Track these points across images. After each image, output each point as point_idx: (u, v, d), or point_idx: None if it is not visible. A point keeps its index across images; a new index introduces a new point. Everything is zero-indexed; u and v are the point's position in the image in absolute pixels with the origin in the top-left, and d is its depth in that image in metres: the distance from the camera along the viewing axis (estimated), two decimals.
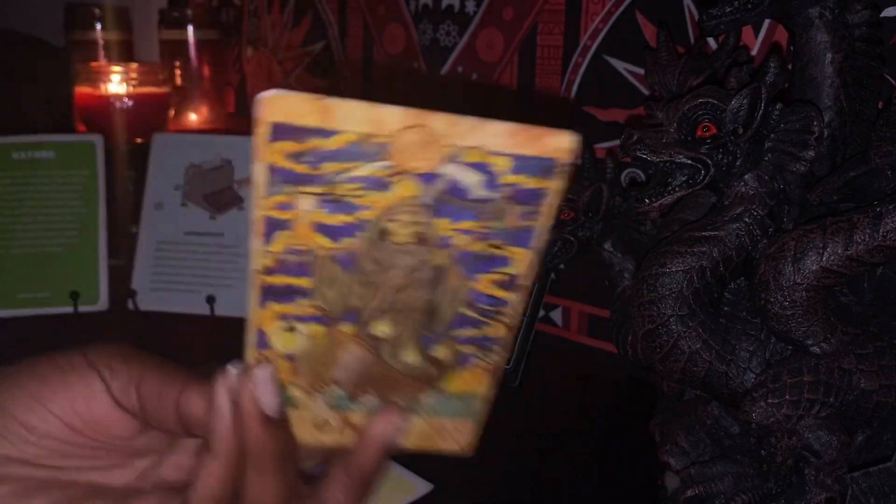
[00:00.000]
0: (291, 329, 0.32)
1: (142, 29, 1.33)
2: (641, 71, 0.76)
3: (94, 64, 1.17)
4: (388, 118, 0.29)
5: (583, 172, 0.58)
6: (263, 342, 0.32)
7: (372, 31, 1.01)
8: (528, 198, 0.30)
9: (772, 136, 0.47)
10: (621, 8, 0.77)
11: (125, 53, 1.29)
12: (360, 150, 0.29)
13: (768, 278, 0.45)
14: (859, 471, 0.49)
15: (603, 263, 0.57)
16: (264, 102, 0.28)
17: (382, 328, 0.32)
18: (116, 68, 1.12)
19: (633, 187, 0.58)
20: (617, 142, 0.49)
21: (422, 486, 0.60)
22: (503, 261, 0.32)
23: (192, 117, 1.23)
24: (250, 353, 0.32)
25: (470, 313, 0.33)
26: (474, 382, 0.34)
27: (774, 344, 0.48)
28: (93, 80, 1.11)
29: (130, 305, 0.92)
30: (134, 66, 1.15)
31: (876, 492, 0.49)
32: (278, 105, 0.28)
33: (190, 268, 0.93)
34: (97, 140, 0.96)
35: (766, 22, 0.67)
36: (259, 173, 0.29)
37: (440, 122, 0.29)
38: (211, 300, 0.90)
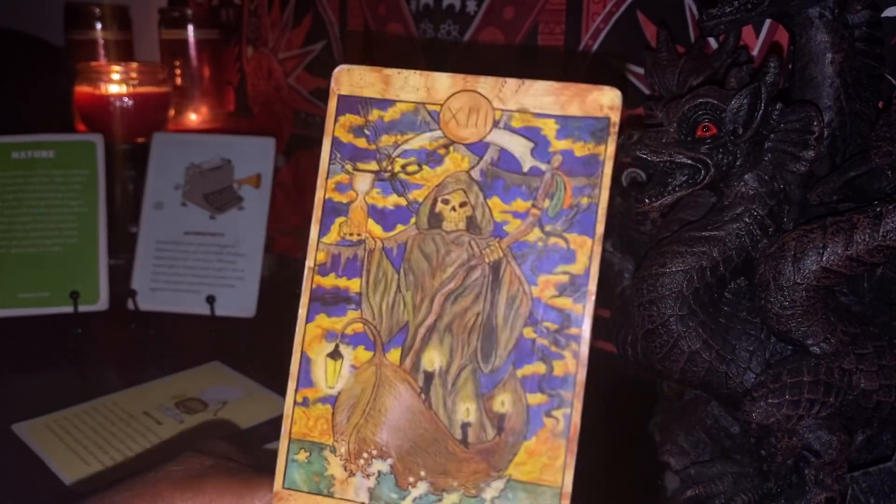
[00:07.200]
0: (336, 355, 0.30)
1: (142, 29, 1.33)
2: (642, 70, 0.76)
3: (94, 64, 1.17)
4: (439, 84, 0.30)
5: None
6: (307, 375, 0.29)
7: (372, 30, 1.01)
8: (582, 168, 0.28)
9: (772, 136, 0.47)
10: (622, 8, 0.77)
11: (125, 53, 1.29)
12: (414, 119, 0.30)
13: (768, 278, 0.45)
14: (859, 471, 0.49)
15: (602, 263, 0.57)
16: (334, 76, 0.30)
17: (433, 356, 0.29)
18: (116, 68, 1.12)
19: (633, 187, 0.58)
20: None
21: None
22: (563, 255, 0.29)
23: (192, 117, 1.23)
24: (290, 397, 0.29)
25: (534, 336, 0.28)
26: (548, 461, 0.28)
27: (774, 344, 0.48)
28: (93, 80, 1.10)
29: (130, 305, 0.92)
30: (134, 65, 1.15)
31: (876, 492, 0.49)
32: (345, 78, 0.30)
33: (190, 268, 0.93)
34: (97, 140, 0.96)
35: (767, 22, 0.67)
36: (325, 150, 0.30)
37: (486, 85, 0.30)
38: (211, 300, 0.90)
